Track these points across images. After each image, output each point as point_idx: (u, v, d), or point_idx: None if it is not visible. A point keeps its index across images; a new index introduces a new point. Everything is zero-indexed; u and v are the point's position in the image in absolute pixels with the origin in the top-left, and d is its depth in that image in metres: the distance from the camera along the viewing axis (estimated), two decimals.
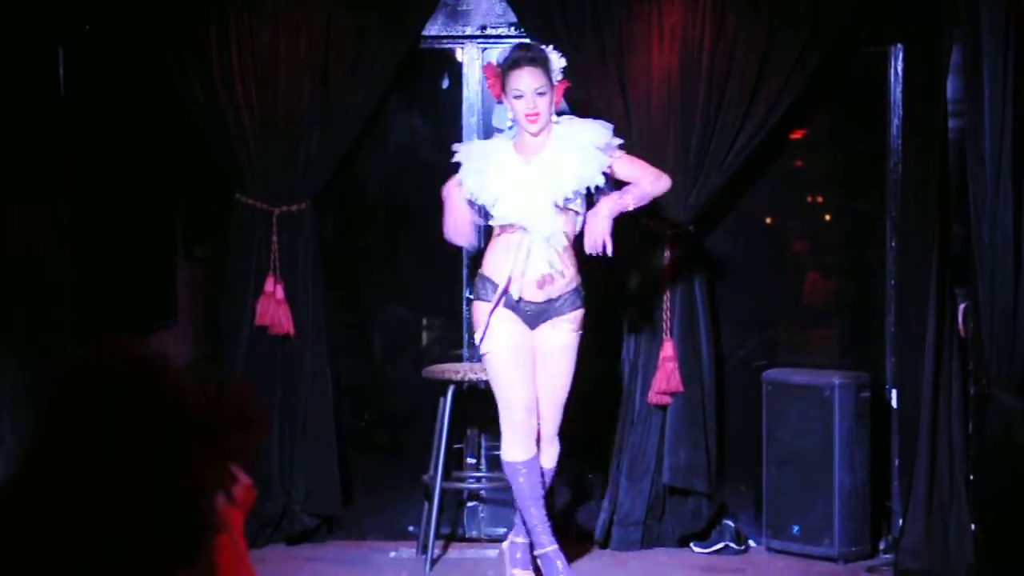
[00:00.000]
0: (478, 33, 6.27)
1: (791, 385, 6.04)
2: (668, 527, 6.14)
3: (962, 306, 5.40)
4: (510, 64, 5.17)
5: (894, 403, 6.07)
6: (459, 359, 6.27)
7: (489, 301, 5.19)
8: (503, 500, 6.26)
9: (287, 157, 6.11)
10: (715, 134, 5.95)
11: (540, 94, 5.14)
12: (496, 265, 5.21)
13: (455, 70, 6.34)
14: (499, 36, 6.26)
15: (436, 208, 6.52)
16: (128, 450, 2.02)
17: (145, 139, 6.28)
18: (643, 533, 6.09)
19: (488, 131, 6.23)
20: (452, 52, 6.35)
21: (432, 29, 6.25)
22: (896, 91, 6.15)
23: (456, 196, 5.34)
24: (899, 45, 6.12)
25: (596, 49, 5.99)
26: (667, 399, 6.01)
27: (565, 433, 5.37)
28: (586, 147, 5.15)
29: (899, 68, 6.13)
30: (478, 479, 6.31)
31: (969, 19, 5.06)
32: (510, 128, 5.30)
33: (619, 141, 5.24)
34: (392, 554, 6.12)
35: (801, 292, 6.49)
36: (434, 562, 5.88)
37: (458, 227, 5.36)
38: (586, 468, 6.34)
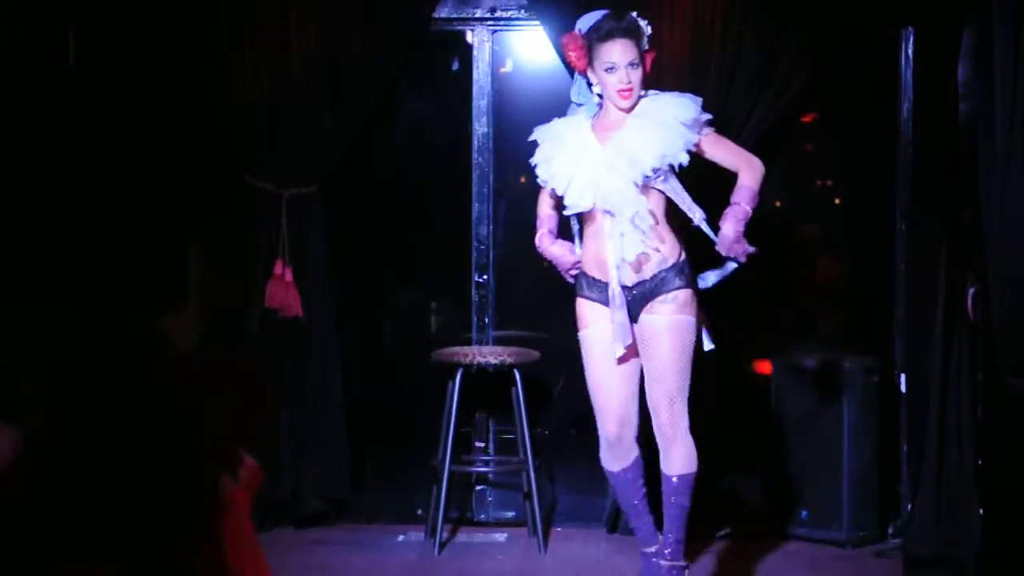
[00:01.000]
0: (488, 15, 6.26)
1: (800, 369, 6.03)
2: None
3: (971, 291, 5.38)
4: (602, 35, 4.76)
5: (903, 387, 6.06)
6: (468, 342, 6.27)
7: (584, 296, 4.89)
8: (511, 484, 6.27)
9: (296, 139, 6.10)
10: (725, 118, 5.92)
11: (633, 66, 4.74)
12: (589, 256, 4.87)
13: (465, 52, 6.33)
14: (509, 18, 6.25)
15: (445, 190, 6.51)
16: (133, 428, 2.02)
17: (154, 121, 6.27)
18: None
19: (496, 114, 6.24)
20: (462, 34, 6.35)
21: (442, 11, 6.24)
22: (907, 74, 6.12)
23: (553, 246, 5.01)
24: (910, 28, 6.09)
25: None
26: None
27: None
28: (668, 121, 4.75)
29: (910, 51, 6.11)
30: (487, 463, 6.31)
31: (980, 2, 5.03)
32: (598, 104, 4.90)
33: (708, 116, 4.87)
34: (401, 537, 6.13)
35: (810, 276, 6.47)
36: (443, 545, 5.89)
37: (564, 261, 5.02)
38: (591, 453, 6.32)
